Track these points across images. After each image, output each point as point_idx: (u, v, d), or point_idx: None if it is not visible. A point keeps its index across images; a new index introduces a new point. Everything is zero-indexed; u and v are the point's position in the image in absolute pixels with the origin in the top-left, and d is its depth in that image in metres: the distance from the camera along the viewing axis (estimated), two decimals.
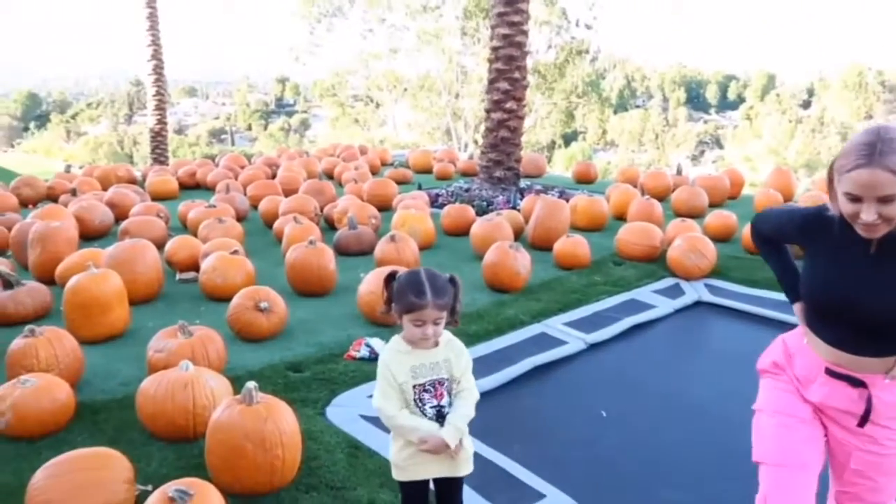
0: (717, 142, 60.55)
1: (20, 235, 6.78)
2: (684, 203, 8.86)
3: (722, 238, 7.51)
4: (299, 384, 4.33)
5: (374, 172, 12.45)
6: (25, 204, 9.98)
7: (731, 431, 3.90)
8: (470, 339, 4.97)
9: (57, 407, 3.68)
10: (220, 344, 4.31)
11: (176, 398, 3.53)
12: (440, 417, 2.37)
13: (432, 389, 2.37)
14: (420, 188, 10.63)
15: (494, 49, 10.06)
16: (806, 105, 57.91)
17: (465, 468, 2.48)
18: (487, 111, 10.24)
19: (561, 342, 5.01)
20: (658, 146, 56.93)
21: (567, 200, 8.28)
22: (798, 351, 2.19)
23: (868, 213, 1.80)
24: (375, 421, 3.72)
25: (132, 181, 11.73)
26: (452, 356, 2.39)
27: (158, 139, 18.88)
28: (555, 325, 5.31)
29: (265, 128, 67.33)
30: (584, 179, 12.14)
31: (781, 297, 5.87)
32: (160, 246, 6.71)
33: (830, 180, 1.94)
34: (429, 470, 2.45)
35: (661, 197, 9.64)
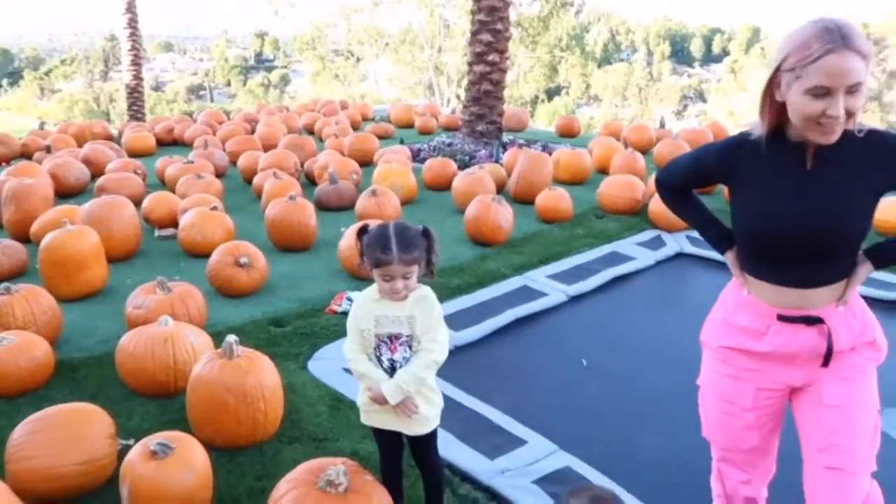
0: (701, 96, 60.30)
1: None
2: (667, 156, 8.82)
3: (703, 191, 7.52)
4: (281, 339, 4.32)
5: (356, 127, 12.28)
6: None
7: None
8: (452, 293, 4.98)
9: (35, 364, 3.65)
10: (199, 300, 4.28)
11: (156, 354, 3.50)
12: (393, 371, 2.35)
13: (388, 342, 2.35)
14: (402, 142, 10.52)
15: (477, 0, 9.86)
16: None
17: (417, 428, 2.43)
18: (470, 64, 10.07)
19: (542, 294, 5.03)
20: (642, 101, 56.63)
21: (550, 154, 8.22)
22: (740, 306, 2.02)
23: (836, 108, 1.62)
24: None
25: (108, 138, 11.50)
26: (419, 313, 2.33)
27: (135, 95, 18.46)
28: (536, 277, 5.32)
29: (244, 84, 66.04)
30: (568, 133, 12.07)
31: None
32: (137, 203, 6.60)
33: (772, 87, 1.75)
34: (381, 420, 2.45)
35: (644, 150, 9.60)
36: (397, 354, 2.37)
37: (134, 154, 10.13)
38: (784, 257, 1.87)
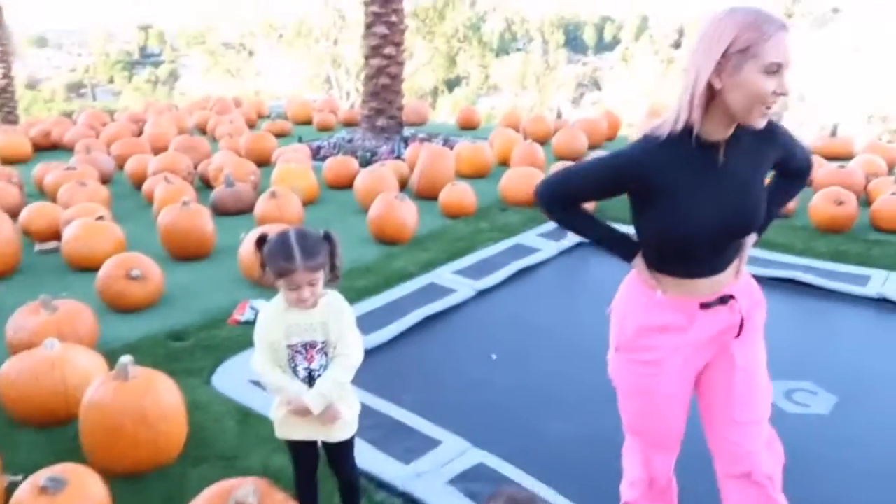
0: (596, 83, 62.32)
1: None
2: (565, 146, 9.08)
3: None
4: (182, 353, 4.14)
5: (251, 126, 11.91)
6: None
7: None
8: (358, 294, 4.92)
9: None
10: (89, 317, 4.03)
11: (41, 380, 3.27)
12: (311, 380, 2.31)
13: (304, 351, 2.30)
14: (300, 141, 10.29)
15: None
16: (677, 45, 60.38)
17: (339, 434, 2.42)
18: (366, 57, 9.97)
19: (450, 290, 5.06)
20: (540, 89, 57.91)
21: (451, 148, 8.27)
22: (656, 307, 2.02)
23: (786, 84, 1.70)
24: None
25: None
26: (330, 318, 2.30)
27: (5, 96, 17.11)
28: (443, 274, 5.35)
29: (130, 80, 62.66)
30: (468, 125, 12.18)
31: None
32: (14, 215, 6.13)
33: (711, 75, 1.73)
34: (301, 431, 2.41)
35: (543, 140, 9.82)
36: (315, 363, 2.33)
37: (8, 161, 9.41)
38: (701, 252, 1.94)
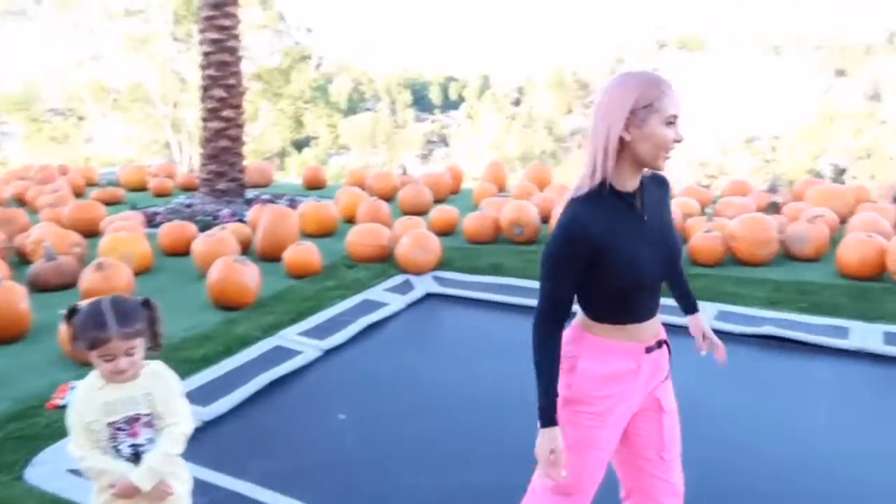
0: (444, 140, 64.52)
1: None
2: (410, 200, 9.25)
3: (445, 231, 7.98)
4: None
5: (79, 195, 11.11)
6: None
7: (468, 412, 4.15)
8: (198, 364, 4.66)
9: None
10: None
11: None
12: (137, 458, 2.15)
13: (127, 427, 2.15)
14: (134, 208, 9.74)
15: (206, 55, 9.58)
16: (517, 103, 63.98)
17: None
18: (204, 120, 9.72)
19: (295, 353, 4.91)
20: (389, 147, 59.05)
21: (295, 208, 8.16)
22: (605, 356, 2.06)
23: (679, 133, 1.94)
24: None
25: None
26: (155, 389, 2.18)
27: None
28: (288, 335, 5.19)
29: None
30: (315, 185, 12.12)
31: (503, 279, 6.41)
32: None
33: (621, 131, 1.92)
34: None
35: (389, 196, 9.96)
36: (140, 437, 2.18)
37: None
38: (643, 299, 2.06)
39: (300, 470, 3.60)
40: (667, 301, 2.22)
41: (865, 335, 5.00)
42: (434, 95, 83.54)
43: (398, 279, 6.52)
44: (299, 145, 41.60)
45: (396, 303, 5.94)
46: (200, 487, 3.28)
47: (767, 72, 40.05)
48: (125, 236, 6.80)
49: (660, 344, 2.15)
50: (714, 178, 32.87)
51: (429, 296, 6.29)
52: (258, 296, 5.85)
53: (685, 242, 7.11)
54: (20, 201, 10.69)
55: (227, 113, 9.54)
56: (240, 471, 3.46)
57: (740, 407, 4.18)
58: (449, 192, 10.54)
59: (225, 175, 9.58)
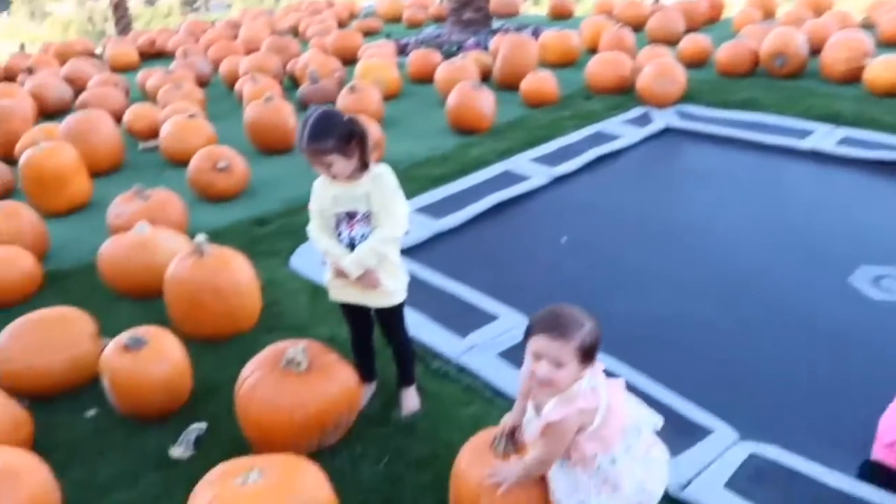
0: None
1: None
2: (659, 29, 8.52)
3: (695, 63, 7.28)
4: (264, 238, 4.38)
5: (342, 25, 11.89)
6: None
7: (694, 251, 4.00)
8: (435, 182, 4.97)
9: (22, 276, 3.76)
10: (178, 205, 4.32)
11: (134, 258, 3.58)
12: (352, 248, 2.44)
13: (346, 220, 2.42)
14: (388, 37, 10.20)
15: None
16: None
17: (382, 301, 2.54)
18: None
19: (525, 177, 5.00)
20: None
21: (538, 38, 7.96)
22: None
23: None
24: None
25: (91, 55, 11.26)
26: (374, 190, 2.39)
27: (120, 11, 17.94)
28: (520, 161, 5.28)
29: None
30: (560, 15, 11.59)
31: (756, 116, 5.80)
32: (119, 117, 6.54)
33: None
34: (347, 294, 2.56)
35: (637, 26, 9.23)
36: (355, 231, 2.44)
37: (117, 69, 9.94)
38: None
39: (518, 285, 3.78)
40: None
41: None
42: None
43: (637, 111, 6.19)
44: None
45: (632, 135, 5.69)
46: (428, 289, 3.64)
47: None
48: (377, 62, 7.21)
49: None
50: None
51: (668, 130, 5.92)
52: (494, 122, 5.95)
53: None
54: (294, 32, 11.73)
55: None
56: (463, 279, 3.73)
57: None
58: (704, 21, 9.49)
59: (471, 4, 9.55)
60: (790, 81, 6.59)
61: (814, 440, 2.52)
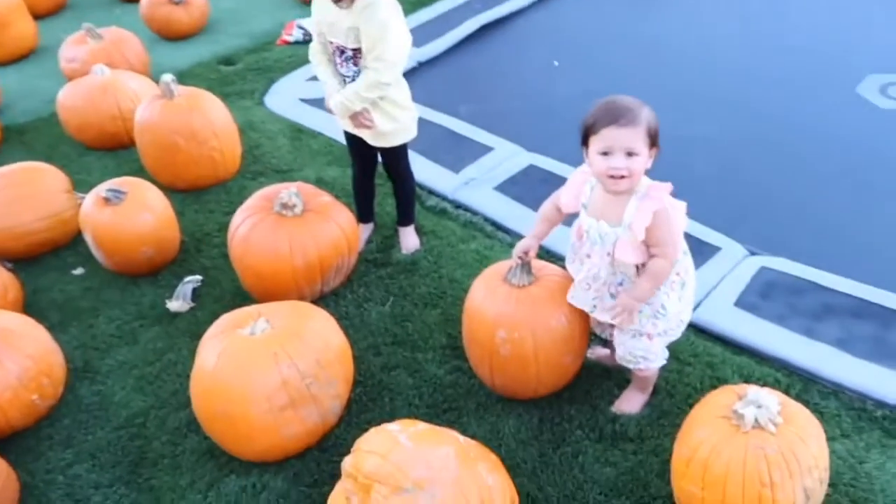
0: None
1: None
2: None
3: None
4: (234, 77, 4.08)
5: None
6: None
7: (695, 63, 3.79)
8: (413, 6, 4.58)
9: None
10: (137, 44, 3.97)
11: (97, 105, 3.32)
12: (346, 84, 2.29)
13: (338, 54, 2.25)
14: None
15: None
16: None
17: (380, 141, 2.40)
18: None
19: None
20: None
21: None
22: None
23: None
24: (316, 103, 3.54)
25: None
26: (362, 25, 2.14)
27: None
28: None
29: None
30: None
31: None
32: None
33: None
34: (347, 124, 2.42)
35: None
36: (345, 69, 2.27)
37: None
38: None
39: (509, 113, 3.60)
40: None
41: None
42: None
43: None
44: None
45: None
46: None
47: None
48: None
49: None
50: None
51: None
52: None
53: None
54: None
55: None
56: (451, 110, 3.52)
57: None
58: None
59: None
60: None
61: (822, 249, 2.51)
